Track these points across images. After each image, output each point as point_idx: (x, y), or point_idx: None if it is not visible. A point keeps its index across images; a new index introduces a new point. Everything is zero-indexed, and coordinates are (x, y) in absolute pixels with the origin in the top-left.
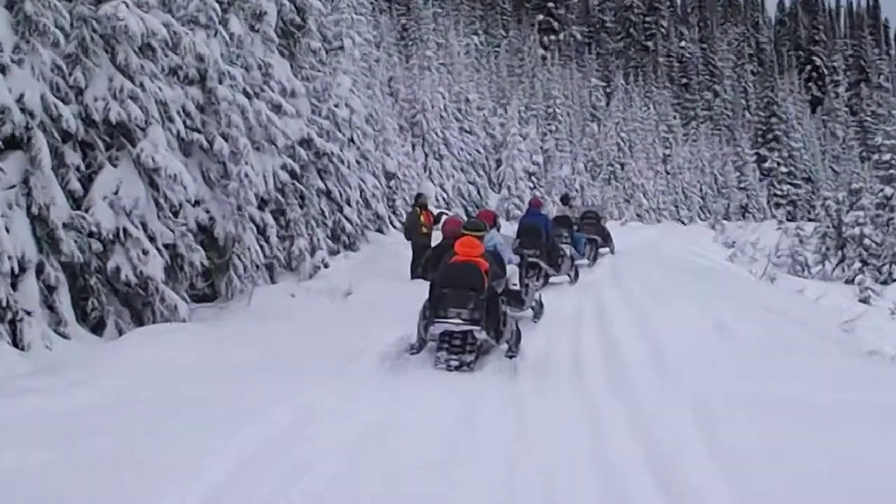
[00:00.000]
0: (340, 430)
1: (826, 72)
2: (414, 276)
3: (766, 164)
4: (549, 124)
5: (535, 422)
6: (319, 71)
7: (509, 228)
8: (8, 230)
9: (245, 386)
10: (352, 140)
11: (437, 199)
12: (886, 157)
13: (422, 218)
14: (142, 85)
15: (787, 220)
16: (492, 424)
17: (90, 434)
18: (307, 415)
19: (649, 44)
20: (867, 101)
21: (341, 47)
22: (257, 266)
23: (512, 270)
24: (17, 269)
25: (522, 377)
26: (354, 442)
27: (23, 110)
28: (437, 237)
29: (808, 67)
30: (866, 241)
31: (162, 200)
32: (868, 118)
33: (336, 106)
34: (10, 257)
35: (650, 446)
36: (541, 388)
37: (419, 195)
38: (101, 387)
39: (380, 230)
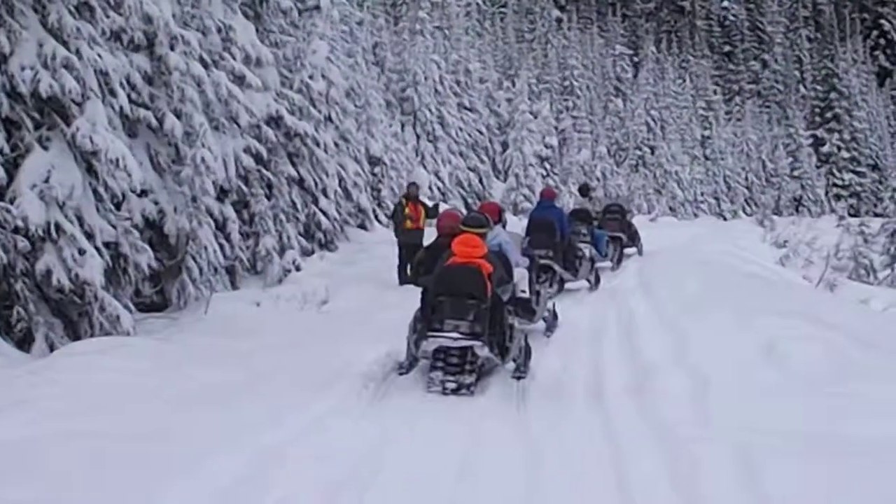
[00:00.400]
0: (311, 478)
1: None
2: (402, 280)
3: (825, 149)
4: (565, 100)
5: (550, 469)
6: (291, 35)
7: (517, 224)
8: None
9: (196, 419)
10: (329, 118)
11: (431, 189)
12: None
13: (407, 210)
14: (78, 51)
15: (850, 214)
16: (495, 471)
17: (10, 480)
18: (271, 456)
19: (685, 4)
20: None
21: (317, 7)
22: (216, 269)
23: (520, 275)
24: None
25: (533, 405)
26: (328, 493)
27: None
28: (431, 234)
29: (875, 33)
30: None
31: (102, 190)
32: None
33: (310, 77)
34: None
35: None
36: (556, 422)
37: (410, 184)
38: (26, 417)
39: (362, 226)
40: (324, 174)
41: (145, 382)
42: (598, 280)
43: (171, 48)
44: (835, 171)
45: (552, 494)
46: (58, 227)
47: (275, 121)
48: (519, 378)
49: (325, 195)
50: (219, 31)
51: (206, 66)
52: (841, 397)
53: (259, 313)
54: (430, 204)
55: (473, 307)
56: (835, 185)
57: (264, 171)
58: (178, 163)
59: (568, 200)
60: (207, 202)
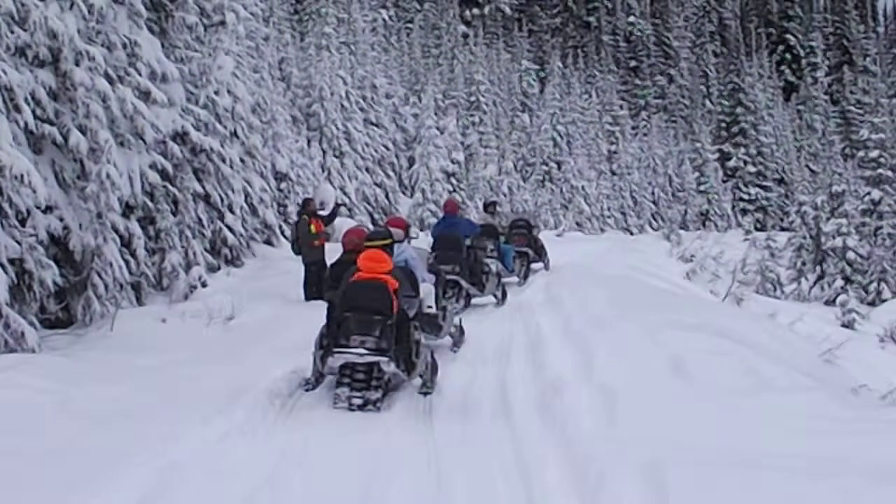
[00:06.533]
0: (213, 495)
1: (802, 53)
2: (309, 297)
3: (731, 163)
4: (471, 115)
5: (457, 485)
6: (196, 51)
7: (424, 240)
8: None
9: (99, 435)
10: (235, 134)
11: (338, 205)
12: (874, 154)
13: (312, 227)
14: None
15: (756, 229)
16: (402, 488)
17: None
18: (173, 474)
19: (591, 19)
20: (851, 88)
21: (222, 22)
22: (121, 285)
23: (426, 290)
24: None
25: (439, 421)
26: None
27: None
28: (333, 250)
29: (781, 48)
30: (850, 255)
31: (6, 206)
32: (852, 108)
33: (216, 93)
34: None
35: None
36: (463, 437)
37: (307, 200)
38: None
39: (269, 242)
40: (230, 190)
41: (50, 399)
42: (504, 295)
43: (77, 64)
44: (741, 185)
45: None
46: None
47: (180, 136)
48: (425, 394)
49: (231, 211)
50: (124, 46)
51: (111, 81)
52: (748, 410)
53: (165, 329)
54: (329, 208)
55: (379, 323)
56: (741, 199)
57: (170, 186)
58: (84, 179)
59: (473, 216)
60: (113, 218)
